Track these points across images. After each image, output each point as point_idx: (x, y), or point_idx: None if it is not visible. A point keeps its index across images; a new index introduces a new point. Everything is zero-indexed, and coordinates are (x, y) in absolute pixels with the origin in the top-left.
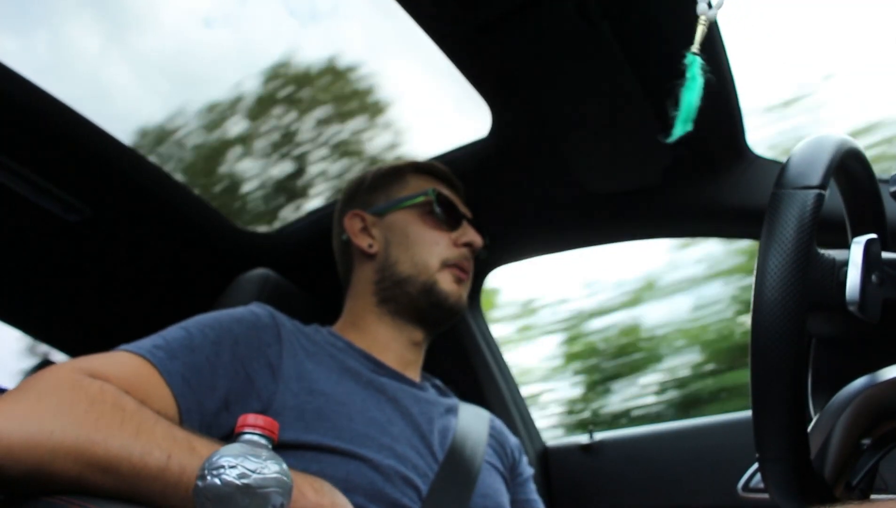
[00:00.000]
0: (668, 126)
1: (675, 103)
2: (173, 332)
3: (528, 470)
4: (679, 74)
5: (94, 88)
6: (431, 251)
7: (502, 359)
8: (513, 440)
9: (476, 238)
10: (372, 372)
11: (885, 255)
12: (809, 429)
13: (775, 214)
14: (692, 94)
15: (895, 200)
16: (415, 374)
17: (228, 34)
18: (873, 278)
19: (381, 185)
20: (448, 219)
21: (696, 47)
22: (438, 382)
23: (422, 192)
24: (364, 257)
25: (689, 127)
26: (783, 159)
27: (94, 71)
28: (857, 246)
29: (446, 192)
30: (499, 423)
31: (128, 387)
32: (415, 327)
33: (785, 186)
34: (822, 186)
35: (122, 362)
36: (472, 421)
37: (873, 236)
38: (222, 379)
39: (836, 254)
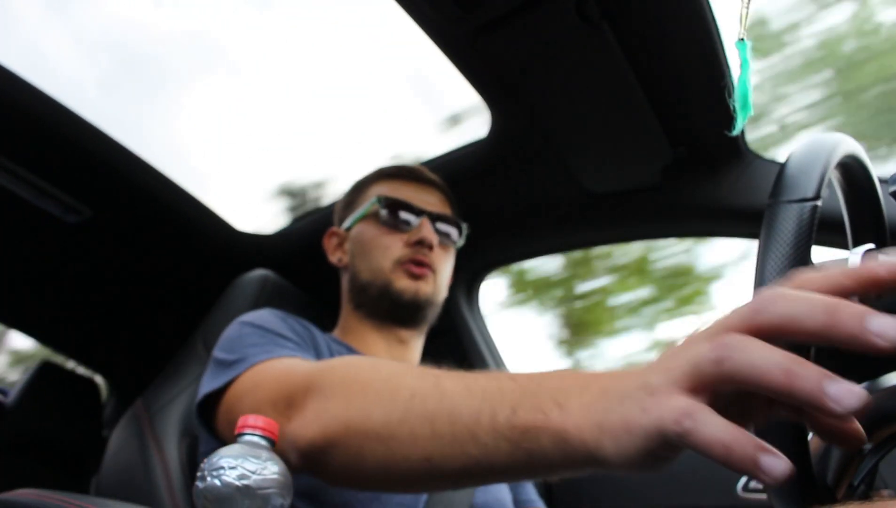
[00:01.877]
0: (667, 126)
1: (729, 94)
2: (269, 338)
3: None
4: (679, 74)
5: (31, 56)
6: (384, 255)
7: (501, 359)
8: None
9: (427, 234)
10: None
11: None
12: (810, 436)
13: (770, 229)
14: (746, 78)
15: (895, 199)
16: None
17: (178, 16)
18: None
19: (352, 200)
20: (396, 222)
21: (742, 32)
22: None
23: (370, 201)
24: (341, 270)
25: (750, 111)
26: (781, 159)
27: (33, 38)
28: (855, 257)
29: (401, 193)
30: None
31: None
32: (392, 326)
33: (780, 198)
34: (817, 196)
35: (297, 363)
36: None
37: (870, 246)
38: None
39: (833, 266)
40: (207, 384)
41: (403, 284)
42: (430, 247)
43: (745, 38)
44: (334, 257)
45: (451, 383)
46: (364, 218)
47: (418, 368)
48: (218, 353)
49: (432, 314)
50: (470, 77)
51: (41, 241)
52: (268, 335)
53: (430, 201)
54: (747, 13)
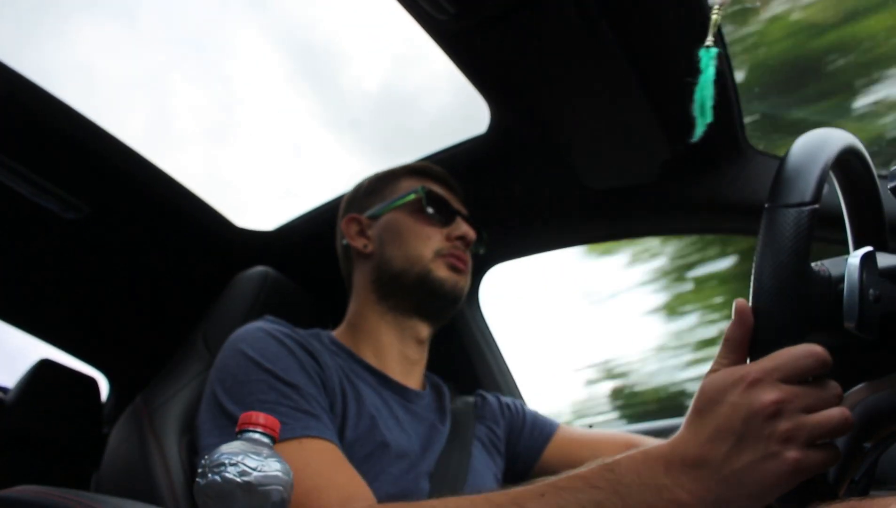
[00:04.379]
0: (666, 122)
1: (690, 101)
2: (280, 391)
3: (528, 413)
4: (678, 69)
5: None
6: (424, 245)
7: (500, 356)
8: (501, 402)
9: (469, 231)
10: (374, 390)
11: (883, 261)
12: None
13: (769, 235)
14: (706, 87)
15: (895, 195)
16: (418, 378)
17: None
18: (870, 293)
19: (377, 189)
20: (439, 215)
21: (709, 40)
22: (437, 379)
23: (412, 190)
24: (362, 258)
25: (709, 119)
26: (780, 154)
27: None
28: (854, 261)
29: (439, 190)
30: (481, 400)
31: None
32: (416, 321)
33: (777, 203)
34: (816, 200)
35: (323, 458)
36: (460, 422)
37: (869, 249)
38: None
39: (831, 268)
40: (214, 439)
41: (444, 274)
42: (468, 244)
43: (710, 46)
44: (357, 243)
45: None
46: (400, 207)
47: (467, 501)
48: (221, 393)
49: (455, 312)
50: (469, 73)
51: (40, 237)
52: (278, 386)
53: (459, 205)
54: (718, 21)
